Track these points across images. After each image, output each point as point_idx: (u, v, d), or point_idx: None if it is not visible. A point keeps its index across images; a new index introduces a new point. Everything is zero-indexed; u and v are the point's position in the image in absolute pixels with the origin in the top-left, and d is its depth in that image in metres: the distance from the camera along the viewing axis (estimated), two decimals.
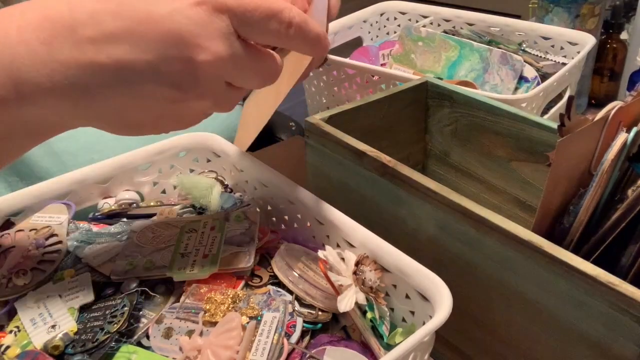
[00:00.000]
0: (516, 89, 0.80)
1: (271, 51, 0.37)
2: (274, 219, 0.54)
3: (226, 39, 0.33)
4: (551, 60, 0.86)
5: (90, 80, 0.32)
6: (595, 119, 0.43)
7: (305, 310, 0.43)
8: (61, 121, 0.35)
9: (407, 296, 0.42)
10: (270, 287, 0.45)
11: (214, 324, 0.40)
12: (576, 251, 0.41)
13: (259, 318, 0.41)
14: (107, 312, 0.41)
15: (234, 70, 0.35)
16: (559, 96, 0.81)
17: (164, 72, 0.32)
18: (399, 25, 1.05)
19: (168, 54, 0.32)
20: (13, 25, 0.31)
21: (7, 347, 0.39)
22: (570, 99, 0.42)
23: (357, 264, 0.41)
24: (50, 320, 0.40)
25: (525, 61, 0.80)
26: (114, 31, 0.31)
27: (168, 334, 0.41)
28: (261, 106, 0.63)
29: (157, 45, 0.32)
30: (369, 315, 0.41)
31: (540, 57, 0.87)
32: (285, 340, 0.40)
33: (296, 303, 0.43)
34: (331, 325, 0.44)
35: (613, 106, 0.43)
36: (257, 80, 0.37)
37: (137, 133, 0.37)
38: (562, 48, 0.87)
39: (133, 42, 0.31)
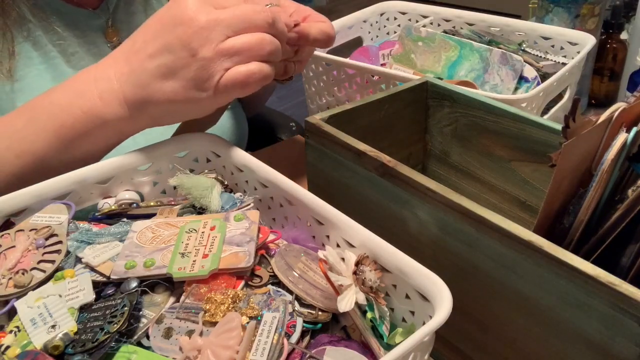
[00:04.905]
0: (516, 89, 0.80)
1: None
2: (274, 219, 0.54)
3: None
4: (551, 60, 0.86)
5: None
6: (599, 120, 0.43)
7: (305, 310, 0.43)
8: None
9: (407, 296, 0.42)
10: (270, 287, 0.45)
11: (214, 324, 0.40)
12: (576, 251, 0.41)
13: (259, 318, 0.41)
14: (107, 312, 0.41)
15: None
16: (559, 96, 0.80)
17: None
18: (399, 25, 1.05)
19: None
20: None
21: (7, 347, 0.39)
22: (576, 101, 0.42)
23: (357, 264, 0.41)
24: (50, 320, 0.40)
25: (525, 61, 0.80)
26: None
27: (168, 334, 0.41)
28: None
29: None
30: (369, 315, 0.41)
31: (540, 57, 0.87)
32: (285, 340, 0.40)
33: (296, 303, 0.43)
34: (331, 325, 0.44)
35: (617, 108, 0.43)
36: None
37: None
38: (562, 48, 0.87)
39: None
